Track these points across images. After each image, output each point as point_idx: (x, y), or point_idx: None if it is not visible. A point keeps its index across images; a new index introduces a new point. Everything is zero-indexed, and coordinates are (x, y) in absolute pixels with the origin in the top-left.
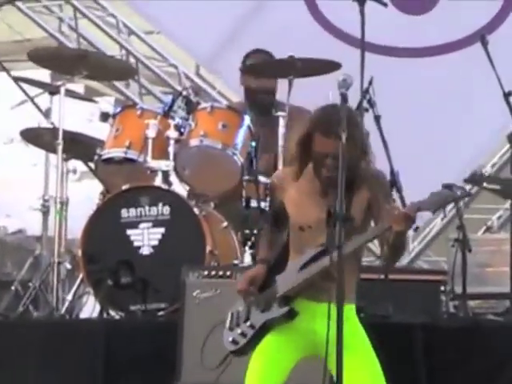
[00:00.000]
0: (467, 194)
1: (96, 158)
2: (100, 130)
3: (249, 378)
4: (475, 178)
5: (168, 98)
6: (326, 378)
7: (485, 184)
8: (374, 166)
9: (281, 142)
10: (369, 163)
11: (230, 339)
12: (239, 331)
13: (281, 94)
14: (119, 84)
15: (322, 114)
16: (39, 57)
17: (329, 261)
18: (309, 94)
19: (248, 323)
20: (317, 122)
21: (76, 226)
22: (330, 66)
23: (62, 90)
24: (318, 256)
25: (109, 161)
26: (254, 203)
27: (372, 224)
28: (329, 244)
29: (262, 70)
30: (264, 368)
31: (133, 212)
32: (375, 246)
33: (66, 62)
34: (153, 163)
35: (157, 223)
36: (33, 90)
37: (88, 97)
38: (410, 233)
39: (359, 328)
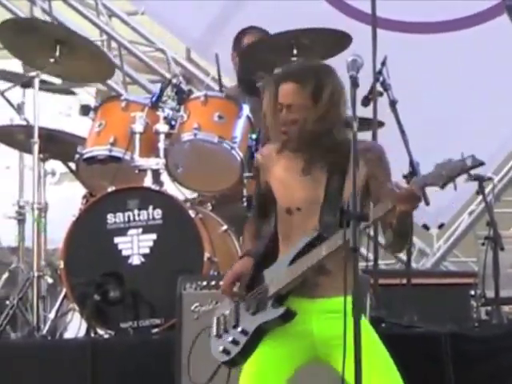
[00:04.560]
0: (479, 164)
1: (77, 157)
2: (80, 126)
3: None
4: None
5: (156, 87)
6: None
7: None
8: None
9: None
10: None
11: (221, 348)
12: (230, 339)
13: None
14: None
15: (281, 70)
16: None
17: (324, 251)
18: None
19: (239, 328)
20: (276, 77)
21: (56, 234)
22: (340, 41)
23: (36, 81)
24: (309, 245)
25: (91, 160)
26: None
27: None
28: (323, 231)
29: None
30: None
31: (120, 217)
32: None
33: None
34: (141, 161)
35: (147, 229)
36: (2, 83)
37: (66, 88)
38: (434, 231)
39: (366, 324)
